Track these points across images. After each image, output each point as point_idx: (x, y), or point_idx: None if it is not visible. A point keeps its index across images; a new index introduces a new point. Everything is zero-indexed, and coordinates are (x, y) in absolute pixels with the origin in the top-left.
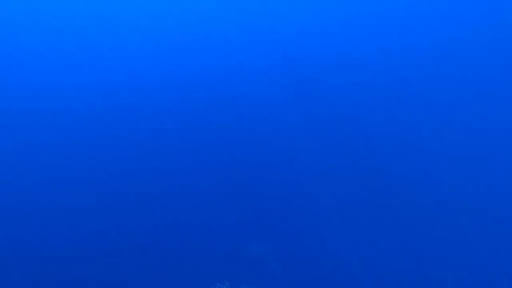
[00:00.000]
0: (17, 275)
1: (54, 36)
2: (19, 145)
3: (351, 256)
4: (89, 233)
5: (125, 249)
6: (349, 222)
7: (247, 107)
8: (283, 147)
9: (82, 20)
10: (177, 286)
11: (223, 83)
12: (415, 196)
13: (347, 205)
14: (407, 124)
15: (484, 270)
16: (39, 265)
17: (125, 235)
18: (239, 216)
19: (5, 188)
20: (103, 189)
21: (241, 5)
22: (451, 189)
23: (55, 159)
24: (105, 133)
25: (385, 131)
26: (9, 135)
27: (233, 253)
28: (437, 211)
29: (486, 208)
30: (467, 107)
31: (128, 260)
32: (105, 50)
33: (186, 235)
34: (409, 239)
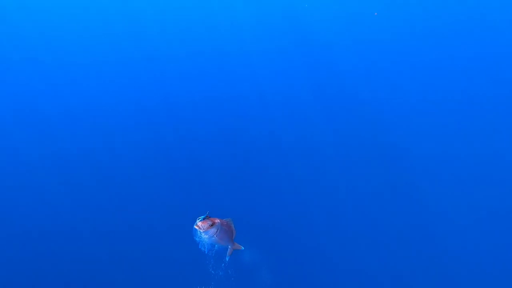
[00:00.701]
0: (17, 275)
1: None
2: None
3: (348, 265)
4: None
5: (110, 232)
6: (347, 229)
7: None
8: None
9: (84, 27)
10: (161, 285)
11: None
12: (418, 198)
13: (346, 209)
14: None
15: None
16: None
17: (112, 217)
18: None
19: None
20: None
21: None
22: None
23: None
24: (106, 132)
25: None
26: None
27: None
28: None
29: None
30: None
31: (109, 242)
32: (108, 54)
33: (172, 237)
34: (408, 248)
